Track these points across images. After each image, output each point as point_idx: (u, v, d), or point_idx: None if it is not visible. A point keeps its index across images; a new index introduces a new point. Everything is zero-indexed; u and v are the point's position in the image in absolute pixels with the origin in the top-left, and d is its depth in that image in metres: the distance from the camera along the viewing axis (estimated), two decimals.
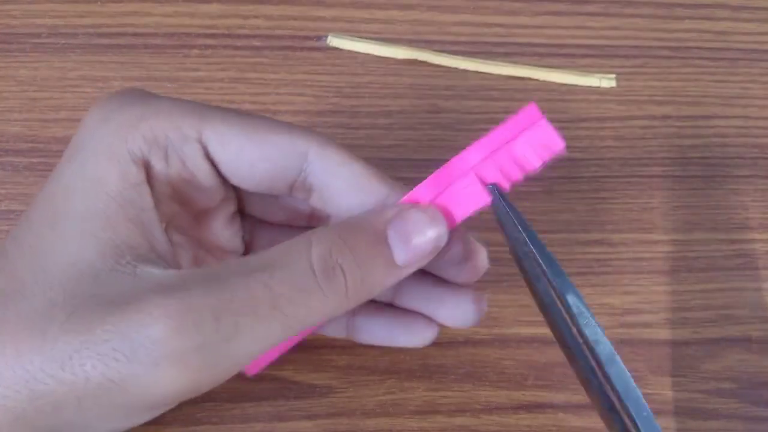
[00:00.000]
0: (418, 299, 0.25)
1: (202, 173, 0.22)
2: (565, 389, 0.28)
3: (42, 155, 0.31)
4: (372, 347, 0.28)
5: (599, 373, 0.21)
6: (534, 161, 0.21)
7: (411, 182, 0.24)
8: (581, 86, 0.35)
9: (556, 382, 0.28)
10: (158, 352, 0.18)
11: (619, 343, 0.29)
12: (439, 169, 0.22)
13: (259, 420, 0.27)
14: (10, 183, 0.31)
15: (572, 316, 0.21)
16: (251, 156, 0.21)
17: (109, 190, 0.20)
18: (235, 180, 0.22)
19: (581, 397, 0.27)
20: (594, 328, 0.20)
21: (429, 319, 0.25)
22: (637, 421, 0.19)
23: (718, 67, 0.36)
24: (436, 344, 0.29)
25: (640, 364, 0.29)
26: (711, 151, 0.34)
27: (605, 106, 0.35)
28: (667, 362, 0.29)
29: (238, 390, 0.27)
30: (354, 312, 0.25)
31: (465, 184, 0.22)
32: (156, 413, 0.21)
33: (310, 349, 0.28)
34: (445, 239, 0.22)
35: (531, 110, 0.21)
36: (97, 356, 0.18)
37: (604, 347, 0.20)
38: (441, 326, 0.26)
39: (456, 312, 0.24)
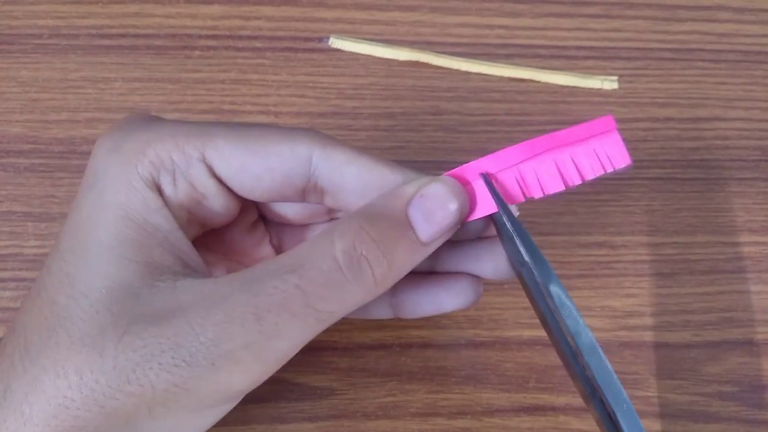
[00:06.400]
0: (457, 259, 0.25)
1: (211, 191, 0.22)
2: (566, 392, 0.28)
3: (43, 156, 0.31)
4: (373, 349, 0.28)
5: (582, 363, 0.20)
6: (596, 168, 0.21)
7: None
8: (583, 88, 0.35)
9: (557, 384, 0.28)
10: (213, 353, 0.19)
11: (621, 346, 0.29)
12: (474, 161, 0.22)
13: (260, 422, 0.27)
14: (12, 184, 0.31)
15: (554, 307, 0.21)
16: (255, 169, 0.22)
17: (134, 217, 0.21)
18: (244, 193, 0.23)
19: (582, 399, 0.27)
20: (575, 318, 0.20)
21: (472, 276, 0.25)
22: (617, 414, 0.19)
23: (719, 69, 0.36)
24: (436, 346, 0.29)
25: (642, 366, 0.29)
26: (713, 153, 0.34)
27: (607, 108, 0.35)
28: (669, 365, 0.29)
29: None
30: (395, 289, 0.25)
31: (479, 187, 0.22)
32: (219, 414, 0.22)
33: (311, 350, 0.27)
34: (467, 209, 0.22)
35: (606, 120, 0.21)
36: (159, 366, 0.19)
37: (585, 338, 0.20)
38: (482, 283, 0.25)
39: (499, 264, 0.24)
